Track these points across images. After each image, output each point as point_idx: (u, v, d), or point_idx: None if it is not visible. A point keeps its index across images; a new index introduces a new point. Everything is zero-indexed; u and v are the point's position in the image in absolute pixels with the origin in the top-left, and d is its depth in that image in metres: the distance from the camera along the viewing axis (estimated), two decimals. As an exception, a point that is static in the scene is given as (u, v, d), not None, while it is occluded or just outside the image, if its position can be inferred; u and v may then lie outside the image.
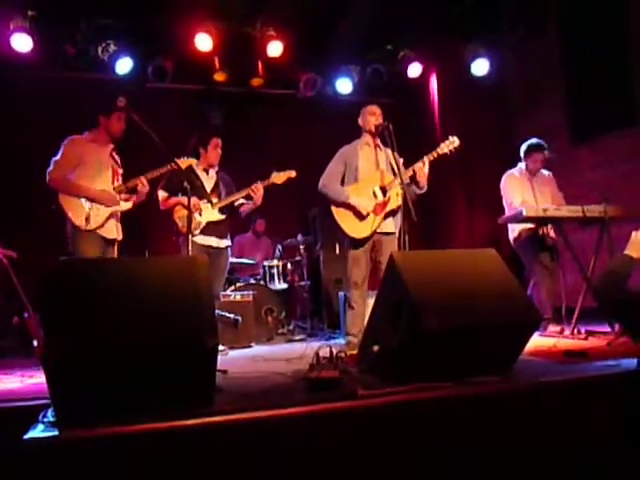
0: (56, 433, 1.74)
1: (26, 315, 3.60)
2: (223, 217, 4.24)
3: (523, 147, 4.52)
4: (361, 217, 3.77)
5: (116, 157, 3.90)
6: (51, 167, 3.59)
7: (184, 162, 3.88)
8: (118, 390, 1.87)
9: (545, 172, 4.58)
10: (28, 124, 5.32)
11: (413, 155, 3.89)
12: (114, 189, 3.75)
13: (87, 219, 3.55)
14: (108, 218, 3.68)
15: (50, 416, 1.88)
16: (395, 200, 3.78)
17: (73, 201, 3.58)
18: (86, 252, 3.55)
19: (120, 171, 3.88)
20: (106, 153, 3.80)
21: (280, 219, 6.28)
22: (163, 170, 3.82)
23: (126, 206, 3.83)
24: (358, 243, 3.79)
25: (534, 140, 4.50)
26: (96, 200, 3.62)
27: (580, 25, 5.46)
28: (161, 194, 4.14)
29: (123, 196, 3.82)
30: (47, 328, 1.86)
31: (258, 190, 4.18)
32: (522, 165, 4.53)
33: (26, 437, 1.72)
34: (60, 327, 1.84)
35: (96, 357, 1.81)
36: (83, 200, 3.59)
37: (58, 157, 3.63)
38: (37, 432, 1.76)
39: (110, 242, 3.75)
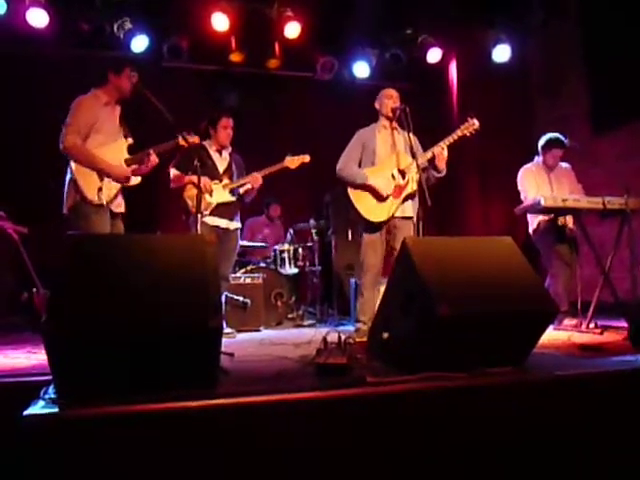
0: (56, 410, 1.71)
1: (35, 291, 3.60)
2: (234, 199, 4.20)
3: (541, 141, 4.39)
4: (380, 199, 3.71)
5: (124, 124, 3.72)
6: (64, 132, 3.37)
7: (192, 138, 3.74)
8: (120, 369, 1.83)
9: (563, 164, 4.47)
10: (43, 100, 5.29)
11: (431, 141, 3.82)
12: (125, 161, 3.57)
13: (100, 190, 3.39)
14: (119, 192, 3.56)
15: (51, 393, 1.85)
16: (413, 184, 3.71)
17: (87, 172, 3.40)
18: (95, 226, 3.39)
19: (130, 140, 3.70)
20: (117, 118, 3.63)
21: (293, 203, 6.23)
22: (171, 144, 3.68)
23: (135, 181, 3.67)
24: (374, 227, 3.73)
25: (553, 135, 4.37)
26: (108, 174, 3.45)
27: (602, 10, 5.29)
28: (173, 172, 4.10)
29: (132, 168, 3.63)
30: (51, 303, 1.83)
31: (257, 180, 4.15)
32: (539, 159, 4.42)
33: (26, 413, 1.69)
34: (64, 303, 1.80)
35: (98, 334, 1.78)
36: (95, 172, 3.42)
37: (70, 120, 3.40)
38: (37, 408, 1.73)
39: (117, 215, 3.62)
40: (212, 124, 4.19)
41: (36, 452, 1.65)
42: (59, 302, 1.83)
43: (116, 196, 3.55)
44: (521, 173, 4.43)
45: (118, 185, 3.55)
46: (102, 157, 3.44)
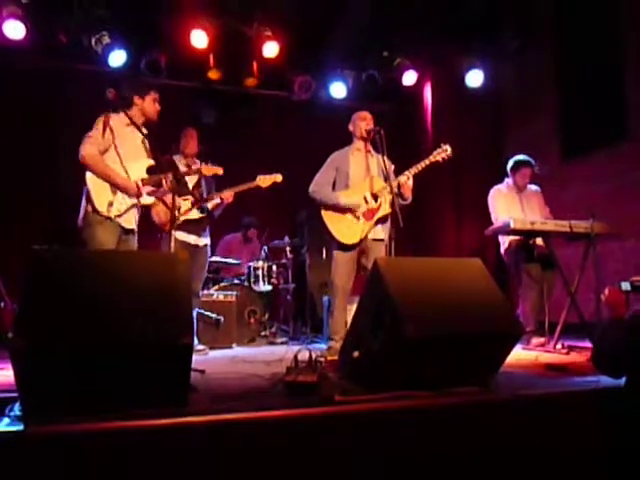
0: (21, 428, 1.69)
1: (2, 306, 3.53)
2: (202, 215, 4.20)
3: (510, 163, 4.53)
4: (352, 220, 3.74)
5: (147, 145, 3.70)
6: (84, 142, 3.38)
7: (215, 169, 3.94)
8: (88, 386, 1.82)
9: (533, 187, 4.59)
10: (20, 111, 5.24)
11: (405, 163, 3.89)
12: (142, 180, 3.54)
13: (110, 205, 3.37)
14: (130, 208, 3.51)
15: (17, 410, 1.82)
16: (385, 207, 3.76)
17: (100, 184, 3.38)
18: (102, 239, 3.35)
19: (149, 162, 3.66)
20: (140, 139, 3.63)
21: (268, 220, 6.23)
22: (193, 171, 3.85)
23: (148, 200, 3.64)
24: (346, 248, 3.76)
25: (521, 156, 4.51)
26: (121, 189, 3.43)
27: (576, 39, 5.49)
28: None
29: (147, 189, 3.61)
30: (19, 319, 1.82)
31: (229, 197, 4.18)
32: (509, 180, 4.54)
33: (-11, 430, 1.67)
34: (30, 318, 1.79)
35: (66, 350, 1.77)
36: (109, 185, 3.40)
37: (91, 132, 3.41)
38: (2, 426, 1.71)
39: (129, 232, 3.56)
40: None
41: (0, 471, 1.62)
42: (25, 318, 1.81)
43: (127, 211, 3.50)
44: (492, 193, 4.53)
45: (130, 202, 3.51)
46: (119, 172, 3.44)
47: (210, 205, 4.23)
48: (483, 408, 2.15)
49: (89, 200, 3.38)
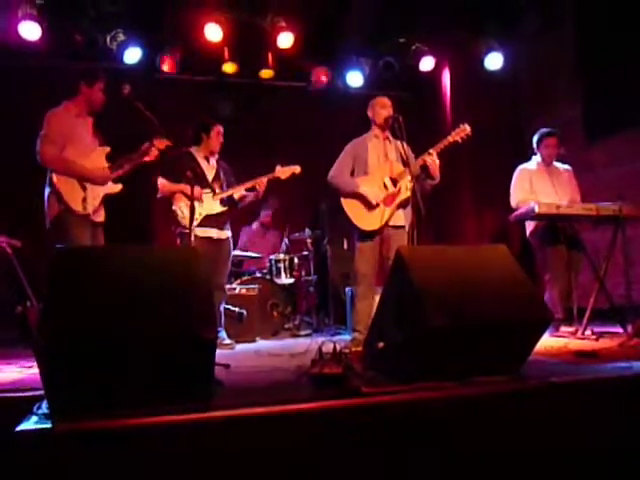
0: (49, 426, 1.70)
1: (29, 305, 3.57)
2: (224, 209, 4.17)
3: (535, 137, 4.44)
4: (371, 207, 3.70)
5: (98, 133, 3.72)
6: (40, 144, 3.37)
7: (161, 142, 3.71)
8: (114, 383, 1.82)
9: (564, 165, 4.49)
10: (35, 113, 5.29)
11: (424, 149, 3.83)
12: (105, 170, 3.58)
13: (84, 201, 3.39)
14: (102, 201, 3.54)
15: (44, 408, 1.83)
16: (405, 192, 3.71)
17: (69, 182, 3.38)
18: (79, 238, 3.36)
19: (107, 149, 3.71)
20: (90, 129, 3.62)
21: (288, 212, 6.22)
22: (141, 152, 3.67)
23: (117, 189, 3.66)
24: (367, 235, 3.73)
25: (544, 128, 4.43)
26: (90, 179, 3.42)
27: (597, 18, 5.33)
28: (160, 181, 4.05)
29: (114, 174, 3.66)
30: (43, 318, 1.82)
31: (262, 185, 4.12)
32: (537, 157, 4.44)
33: (18, 429, 1.68)
34: (55, 317, 1.79)
35: (91, 348, 1.76)
36: (77, 182, 3.40)
37: (45, 132, 3.40)
38: (30, 424, 1.72)
39: (98, 225, 3.60)
40: (205, 130, 4.15)
41: (29, 468, 1.63)
42: (50, 315, 1.82)
43: (100, 206, 3.54)
44: (516, 173, 4.44)
45: (101, 195, 3.53)
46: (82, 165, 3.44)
47: (237, 196, 4.21)
48: (512, 397, 2.11)
49: (61, 201, 3.35)
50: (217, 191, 4.14)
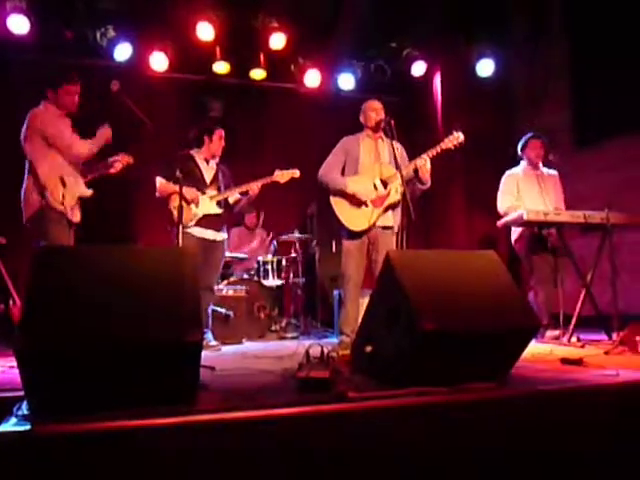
0: (28, 427, 1.65)
1: (11, 303, 3.51)
2: (220, 211, 4.17)
3: (520, 142, 4.49)
4: (360, 206, 3.69)
5: (76, 133, 3.74)
6: (26, 141, 3.44)
7: (126, 159, 3.83)
8: (95, 384, 1.78)
9: (551, 170, 4.51)
10: (23, 108, 5.23)
11: (415, 153, 3.83)
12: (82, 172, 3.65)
13: (63, 198, 3.41)
14: (77, 201, 3.58)
15: (24, 409, 1.79)
16: (395, 194, 3.71)
17: (52, 179, 3.42)
18: (58, 236, 3.40)
19: None
20: (69, 128, 3.65)
21: (277, 214, 6.19)
22: (105, 166, 3.78)
23: (88, 193, 3.71)
24: (355, 235, 3.72)
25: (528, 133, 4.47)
26: (65, 178, 3.47)
27: (587, 24, 5.38)
28: (159, 180, 4.05)
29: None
30: (22, 318, 1.78)
31: (257, 189, 4.13)
32: (523, 162, 4.47)
33: (-4, 430, 1.64)
34: (35, 317, 1.75)
35: (71, 349, 1.73)
36: (58, 179, 3.44)
37: (29, 132, 3.46)
38: (9, 425, 1.67)
39: (73, 225, 3.63)
40: (208, 133, 4.17)
41: (7, 470, 1.59)
42: (30, 316, 1.77)
43: (76, 204, 3.57)
44: (503, 179, 4.47)
45: (77, 194, 3.57)
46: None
47: (231, 200, 4.20)
48: (499, 404, 2.10)
49: (43, 195, 3.39)
50: (214, 193, 4.13)
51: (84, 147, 3.55)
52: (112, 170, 3.78)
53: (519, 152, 4.48)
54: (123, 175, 3.88)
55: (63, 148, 3.50)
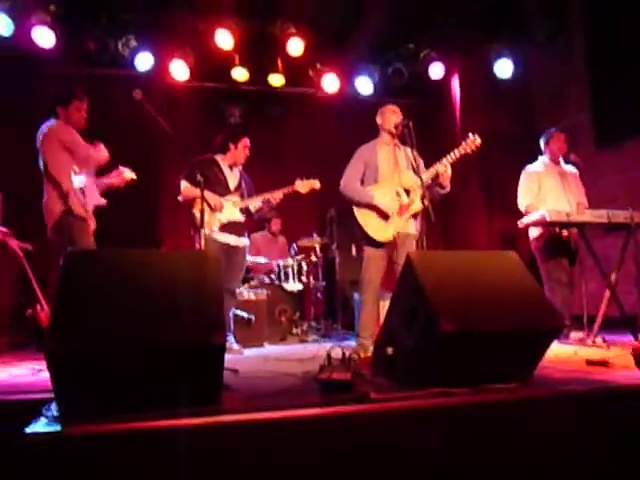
0: (58, 428, 1.70)
1: (39, 307, 3.60)
2: (243, 218, 4.24)
3: (543, 136, 4.44)
4: (384, 218, 3.70)
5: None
6: (47, 159, 3.54)
7: (130, 174, 3.91)
8: (122, 386, 1.82)
9: (571, 168, 4.46)
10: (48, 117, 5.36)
11: (433, 156, 3.82)
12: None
13: (85, 206, 3.51)
14: (94, 209, 3.68)
15: (54, 410, 1.84)
16: (417, 202, 3.71)
17: (73, 187, 3.52)
18: (82, 241, 3.49)
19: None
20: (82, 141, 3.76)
21: (296, 218, 6.23)
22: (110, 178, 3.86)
23: (104, 202, 3.81)
24: (378, 244, 3.72)
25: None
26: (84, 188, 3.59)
27: (607, 24, 5.32)
28: (183, 184, 4.12)
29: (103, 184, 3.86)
30: (52, 322, 1.83)
31: (278, 199, 4.20)
32: (544, 158, 4.41)
33: (28, 431, 1.68)
34: (65, 320, 1.80)
35: (100, 351, 1.77)
36: (79, 189, 3.55)
37: (48, 144, 3.55)
38: (39, 426, 1.72)
39: (93, 232, 3.73)
40: (234, 140, 4.24)
41: (38, 470, 1.64)
42: (60, 319, 1.82)
43: (93, 212, 3.68)
44: (523, 176, 4.41)
45: (94, 202, 3.69)
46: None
47: (253, 208, 4.26)
48: (522, 405, 2.09)
49: (65, 203, 3.49)
50: (237, 199, 4.20)
51: (101, 153, 3.67)
52: (116, 183, 3.88)
53: (542, 146, 4.44)
54: (148, 181, 3.94)
55: (83, 157, 3.59)
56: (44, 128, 3.62)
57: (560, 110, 5.91)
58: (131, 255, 2.07)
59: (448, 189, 3.79)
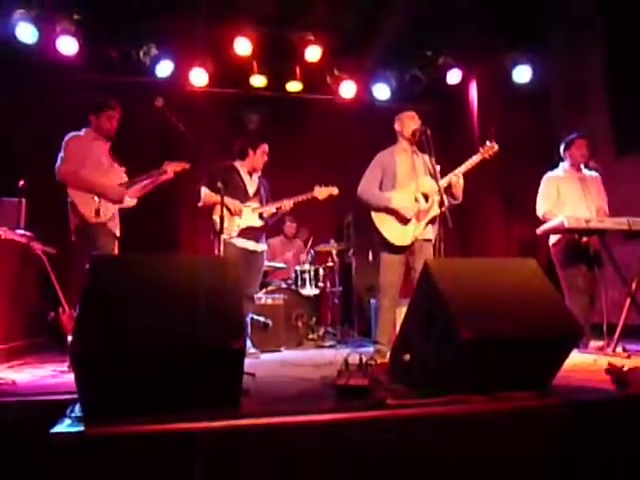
0: (82, 428, 1.74)
1: (61, 310, 3.66)
2: (261, 223, 4.29)
3: (564, 142, 4.40)
4: (403, 222, 3.70)
5: (114, 155, 3.94)
6: (58, 162, 3.62)
7: (179, 165, 3.93)
8: (144, 389, 1.86)
9: (593, 173, 4.42)
10: (72, 124, 5.46)
11: (451, 163, 3.82)
12: (121, 184, 3.79)
13: (97, 212, 3.56)
14: (115, 213, 3.73)
15: (77, 411, 1.88)
16: (435, 208, 3.71)
17: (83, 195, 3.59)
18: (102, 245, 3.55)
19: (123, 169, 3.93)
20: (107, 151, 3.84)
21: (313, 224, 6.25)
22: (155, 174, 3.89)
23: (131, 203, 3.89)
24: (396, 250, 3.73)
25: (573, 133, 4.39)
26: (103, 195, 3.62)
27: (626, 30, 5.27)
28: (203, 190, 4.18)
29: (134, 191, 3.90)
30: (78, 323, 1.88)
31: (290, 206, 4.26)
32: (564, 164, 4.38)
33: (52, 431, 1.72)
34: (90, 323, 1.84)
35: (123, 354, 1.81)
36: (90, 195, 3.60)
37: (63, 153, 3.65)
38: (63, 427, 1.76)
39: (115, 237, 3.79)
40: (253, 146, 4.30)
41: (62, 470, 1.68)
42: (85, 322, 1.87)
43: (114, 217, 3.74)
44: (543, 182, 4.39)
45: (113, 207, 3.73)
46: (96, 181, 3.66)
47: (266, 214, 4.31)
48: (540, 413, 2.08)
49: (77, 213, 3.58)
50: (256, 205, 4.26)
51: (113, 189, 3.73)
52: (164, 177, 3.92)
53: (562, 152, 4.41)
54: (169, 187, 4.00)
55: (95, 171, 3.68)
56: (70, 134, 3.72)
57: (579, 116, 5.86)
58: (154, 260, 2.12)
59: (460, 200, 3.79)
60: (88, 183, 3.61)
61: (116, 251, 3.79)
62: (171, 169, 3.88)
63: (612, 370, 2.38)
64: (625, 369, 2.36)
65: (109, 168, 3.79)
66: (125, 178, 3.86)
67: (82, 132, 3.79)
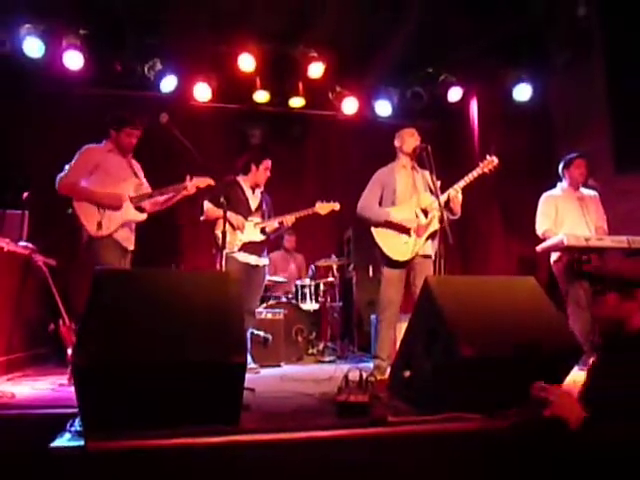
0: (82, 443, 1.74)
1: (61, 322, 3.66)
2: (263, 238, 4.32)
3: (562, 162, 4.43)
4: (403, 236, 3.71)
5: (136, 168, 3.93)
6: (63, 172, 3.62)
7: (203, 181, 3.88)
8: (144, 403, 1.86)
9: (591, 192, 4.45)
10: (77, 138, 5.51)
11: (451, 180, 3.84)
12: (130, 199, 3.76)
13: (99, 225, 3.56)
14: (122, 225, 3.68)
15: (77, 425, 1.88)
16: (435, 223, 3.73)
17: (87, 207, 3.59)
18: (105, 258, 3.52)
19: (143, 183, 3.92)
20: (125, 163, 3.84)
21: (314, 239, 6.27)
22: (177, 188, 3.84)
23: (140, 217, 3.83)
24: (396, 265, 3.74)
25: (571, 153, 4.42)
26: (100, 202, 3.60)
27: (627, 49, 5.32)
28: (206, 205, 4.21)
29: (147, 204, 3.87)
30: (80, 336, 1.88)
31: (289, 221, 4.30)
32: (563, 183, 4.41)
33: (52, 445, 1.72)
34: (91, 336, 1.85)
35: (123, 367, 1.82)
36: (95, 206, 3.60)
37: (72, 163, 3.65)
38: (63, 441, 1.77)
39: (126, 251, 3.76)
40: (255, 162, 4.34)
41: (61, 484, 1.68)
42: (87, 335, 1.88)
43: (120, 228, 3.67)
44: (541, 201, 4.42)
45: (120, 218, 3.67)
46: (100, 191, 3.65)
47: (268, 229, 4.33)
48: (540, 432, 2.08)
49: (82, 227, 3.58)
50: (259, 220, 4.31)
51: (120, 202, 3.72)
52: (185, 192, 3.85)
53: (560, 171, 4.44)
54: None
55: (104, 181, 3.69)
56: (87, 145, 3.75)
57: (579, 135, 5.89)
58: (156, 275, 2.13)
59: (458, 215, 3.80)
60: (85, 192, 3.60)
61: (127, 265, 3.76)
62: (193, 184, 3.83)
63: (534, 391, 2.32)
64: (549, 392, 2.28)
65: (122, 180, 3.76)
66: (131, 193, 3.81)
67: (102, 144, 3.82)
